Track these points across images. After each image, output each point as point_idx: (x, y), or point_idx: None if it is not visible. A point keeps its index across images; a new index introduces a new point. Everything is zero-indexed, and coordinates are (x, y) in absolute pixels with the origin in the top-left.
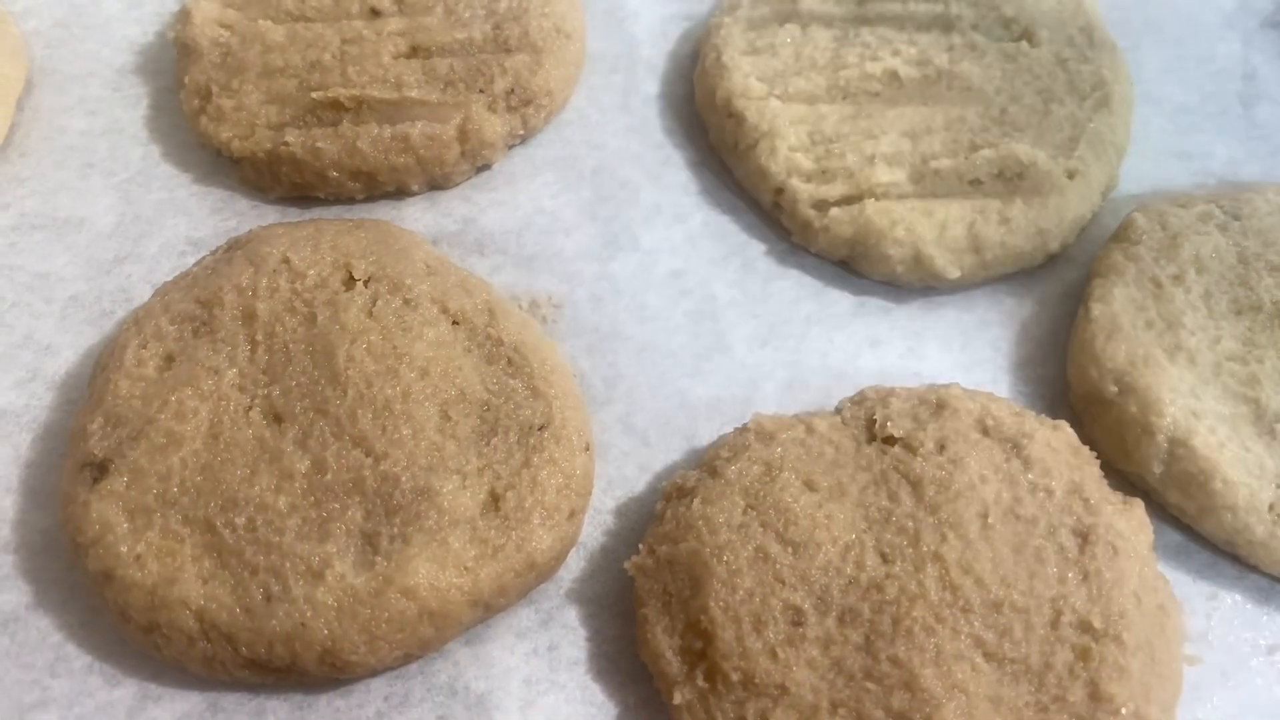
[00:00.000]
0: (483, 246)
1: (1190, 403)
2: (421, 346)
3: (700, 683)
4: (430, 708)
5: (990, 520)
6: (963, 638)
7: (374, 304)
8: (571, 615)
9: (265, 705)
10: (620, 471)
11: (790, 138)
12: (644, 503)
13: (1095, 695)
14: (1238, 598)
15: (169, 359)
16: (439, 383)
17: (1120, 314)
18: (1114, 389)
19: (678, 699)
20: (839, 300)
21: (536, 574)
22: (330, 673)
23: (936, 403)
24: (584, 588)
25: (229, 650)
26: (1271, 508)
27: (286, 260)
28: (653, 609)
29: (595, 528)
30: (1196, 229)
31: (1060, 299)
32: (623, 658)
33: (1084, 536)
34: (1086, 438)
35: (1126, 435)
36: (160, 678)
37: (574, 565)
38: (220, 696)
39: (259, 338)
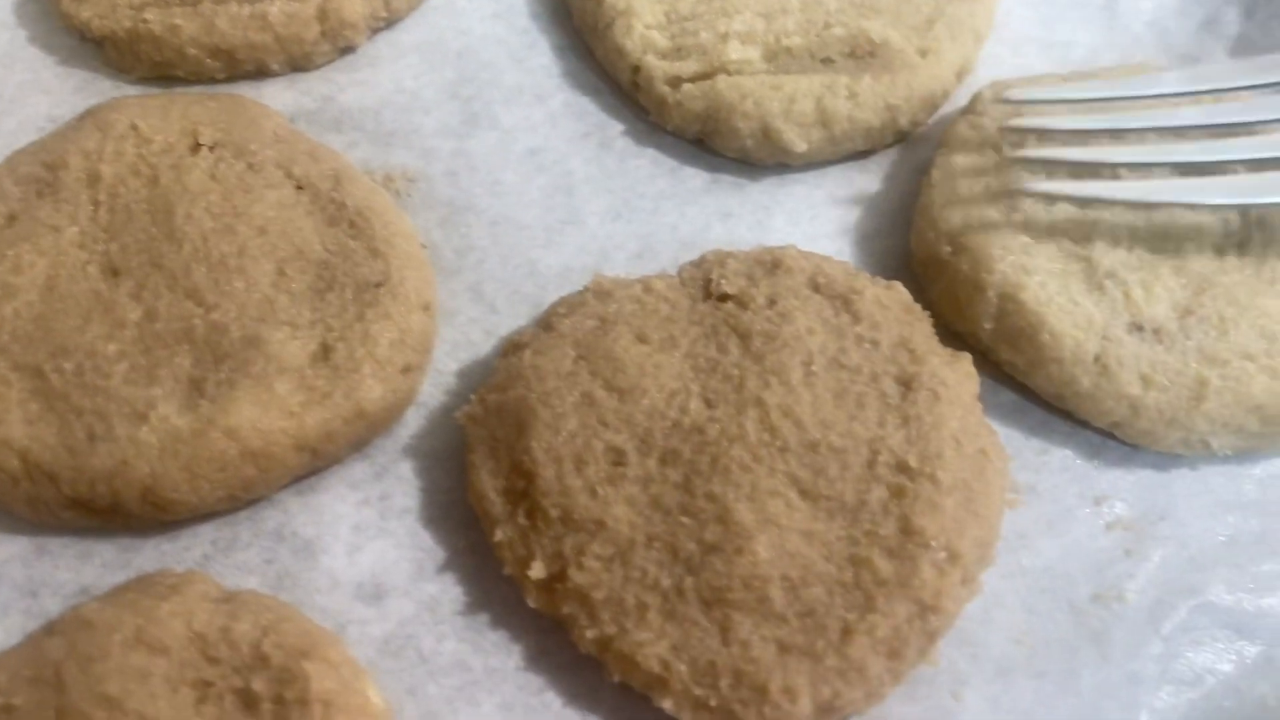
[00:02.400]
0: (340, 124)
1: (1022, 260)
2: (262, 207)
3: (521, 520)
4: (257, 551)
5: (814, 368)
6: (779, 476)
7: (217, 167)
8: (406, 468)
9: (92, 549)
10: (466, 336)
11: (646, 16)
12: (488, 365)
13: (906, 529)
14: (1068, 453)
15: (11, 218)
16: (277, 241)
17: (960, 180)
18: (949, 249)
19: (498, 536)
20: (693, 177)
21: (366, 424)
22: (153, 512)
23: (772, 262)
24: (421, 443)
25: (52, 490)
26: (1097, 359)
27: (134, 127)
28: (480, 454)
29: (437, 388)
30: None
31: (910, 176)
32: (455, 507)
33: (907, 384)
34: (926, 302)
35: (959, 293)
36: None
37: (413, 423)
38: (47, 540)
39: (102, 198)
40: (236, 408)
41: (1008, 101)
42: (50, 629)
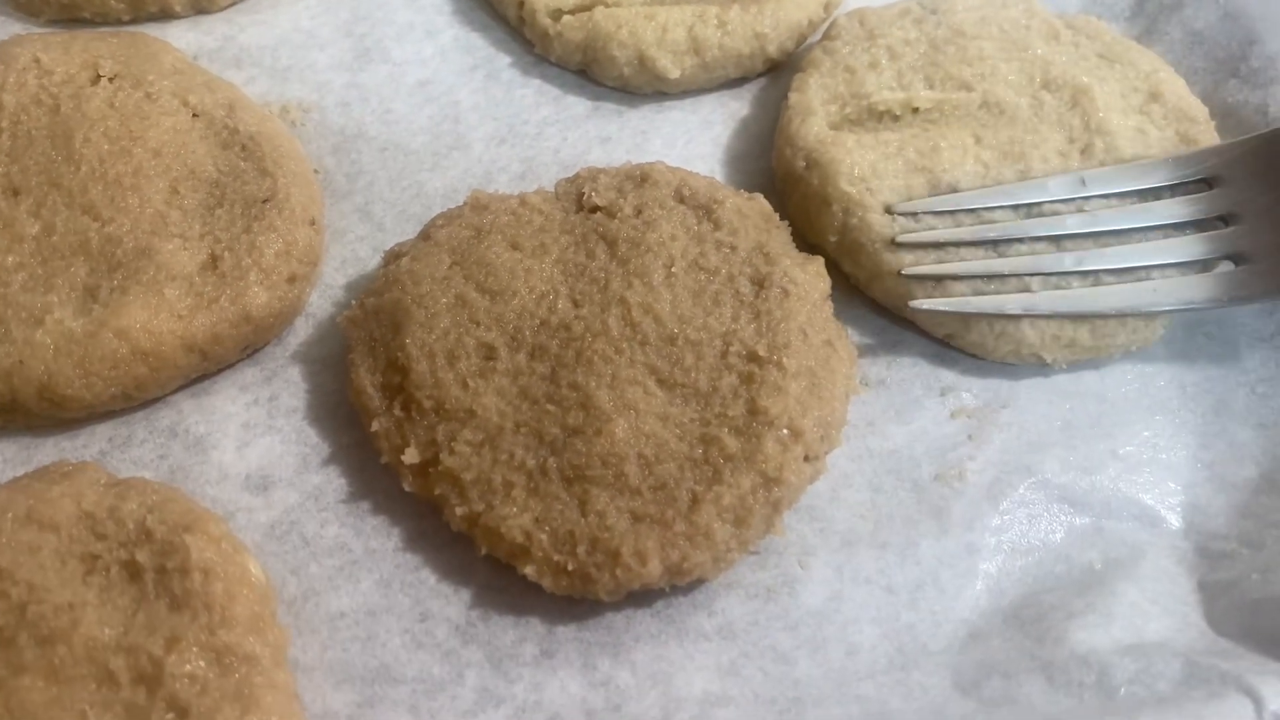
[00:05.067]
0: (240, 61)
1: (868, 176)
2: (157, 132)
3: (397, 412)
4: (151, 448)
5: (674, 270)
6: (638, 366)
7: (116, 96)
8: (295, 373)
9: None
10: (354, 253)
11: None
12: (374, 279)
13: (753, 410)
14: (917, 353)
15: None
16: (171, 162)
17: (813, 100)
18: (802, 164)
19: (375, 427)
20: (576, 105)
21: (253, 328)
22: (50, 409)
23: (640, 176)
24: (310, 350)
25: None
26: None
27: (37, 60)
28: (359, 353)
29: (326, 300)
30: (895, 24)
31: (780, 102)
32: (340, 408)
33: (760, 283)
34: (786, 215)
35: (809, 207)
36: None
37: (302, 332)
38: None
39: (3, 125)
40: (128, 310)
41: (899, 213)
42: None
